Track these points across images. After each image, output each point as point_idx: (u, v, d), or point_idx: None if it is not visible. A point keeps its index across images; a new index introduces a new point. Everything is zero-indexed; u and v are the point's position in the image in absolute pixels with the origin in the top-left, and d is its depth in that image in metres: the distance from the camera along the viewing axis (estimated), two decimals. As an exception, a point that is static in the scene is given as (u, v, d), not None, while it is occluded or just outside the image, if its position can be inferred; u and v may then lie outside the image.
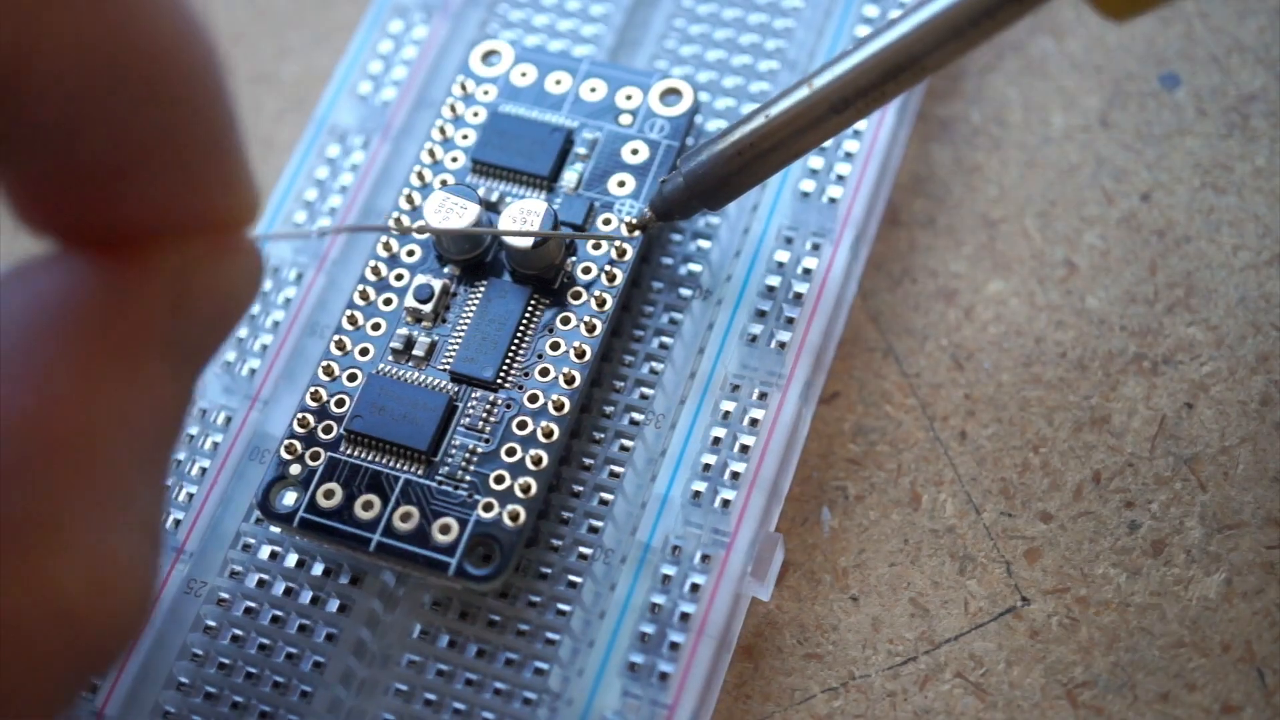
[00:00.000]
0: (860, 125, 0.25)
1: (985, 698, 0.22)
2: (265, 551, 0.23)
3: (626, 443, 0.23)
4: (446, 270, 0.24)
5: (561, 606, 0.22)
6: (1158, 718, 0.22)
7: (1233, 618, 0.22)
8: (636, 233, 0.23)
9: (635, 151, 0.25)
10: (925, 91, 0.28)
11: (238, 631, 0.22)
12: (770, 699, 0.23)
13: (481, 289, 0.24)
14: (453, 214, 0.23)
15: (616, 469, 0.23)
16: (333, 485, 0.22)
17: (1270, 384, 0.24)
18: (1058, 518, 0.24)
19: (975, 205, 0.26)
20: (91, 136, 0.14)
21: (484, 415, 0.23)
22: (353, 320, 0.24)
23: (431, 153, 0.25)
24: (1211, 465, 0.23)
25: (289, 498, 0.22)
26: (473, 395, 0.23)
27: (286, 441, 0.23)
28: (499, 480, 0.22)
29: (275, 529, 0.23)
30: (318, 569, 0.23)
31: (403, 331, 0.23)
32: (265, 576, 0.23)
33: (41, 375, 0.13)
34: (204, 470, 0.24)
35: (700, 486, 0.22)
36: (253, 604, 0.23)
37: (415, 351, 0.23)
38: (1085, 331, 0.25)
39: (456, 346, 0.23)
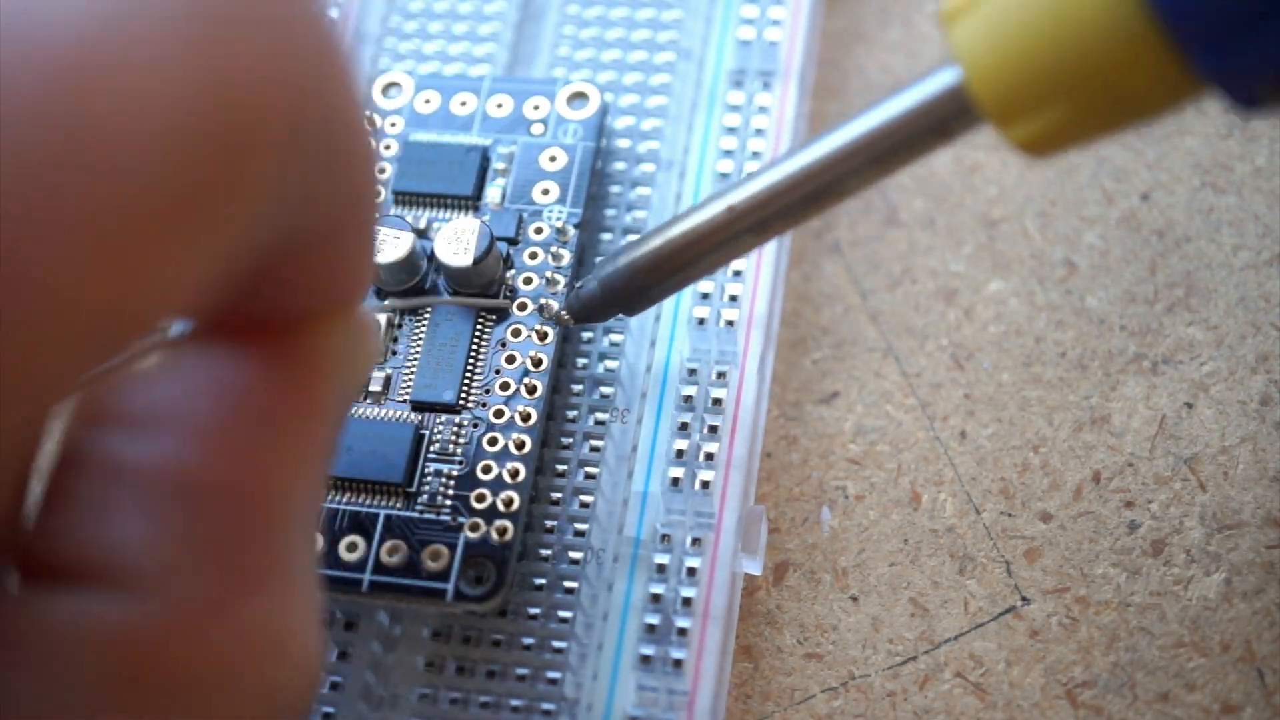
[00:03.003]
0: (767, 100, 0.26)
1: (985, 698, 0.22)
2: (253, 613, 0.22)
3: (596, 443, 0.23)
4: (387, 302, 0.24)
5: (562, 614, 0.22)
6: (1158, 718, 0.22)
7: (1233, 618, 0.23)
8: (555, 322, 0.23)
9: (553, 159, 0.25)
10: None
11: (239, 698, 0.22)
12: (770, 699, 0.23)
13: (427, 315, 0.23)
14: (387, 245, 0.23)
15: (591, 470, 0.23)
16: (313, 533, 0.22)
17: (1270, 384, 0.24)
18: (1058, 518, 0.24)
19: (975, 205, 0.26)
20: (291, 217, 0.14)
21: (453, 438, 0.22)
22: (301, 368, 0.23)
23: (349, 191, 0.25)
24: (1211, 465, 0.24)
25: (269, 554, 0.22)
26: (438, 421, 0.23)
27: (258, 498, 0.22)
28: (480, 499, 0.22)
29: (260, 588, 0.22)
30: (309, 621, 0.22)
31: (355, 370, 0.23)
32: (257, 638, 0.22)
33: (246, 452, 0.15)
34: (173, 543, 0.23)
35: (677, 473, 0.23)
36: (249, 667, 0.22)
37: (371, 387, 0.23)
38: (1085, 331, 0.25)
39: (412, 375, 0.23)
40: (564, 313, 0.23)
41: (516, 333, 0.23)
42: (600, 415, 0.23)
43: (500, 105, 0.25)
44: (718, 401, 0.23)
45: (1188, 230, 0.26)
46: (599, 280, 0.22)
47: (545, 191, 0.24)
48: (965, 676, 0.23)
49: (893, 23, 0.29)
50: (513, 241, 0.24)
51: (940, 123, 0.18)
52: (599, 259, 0.23)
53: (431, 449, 0.22)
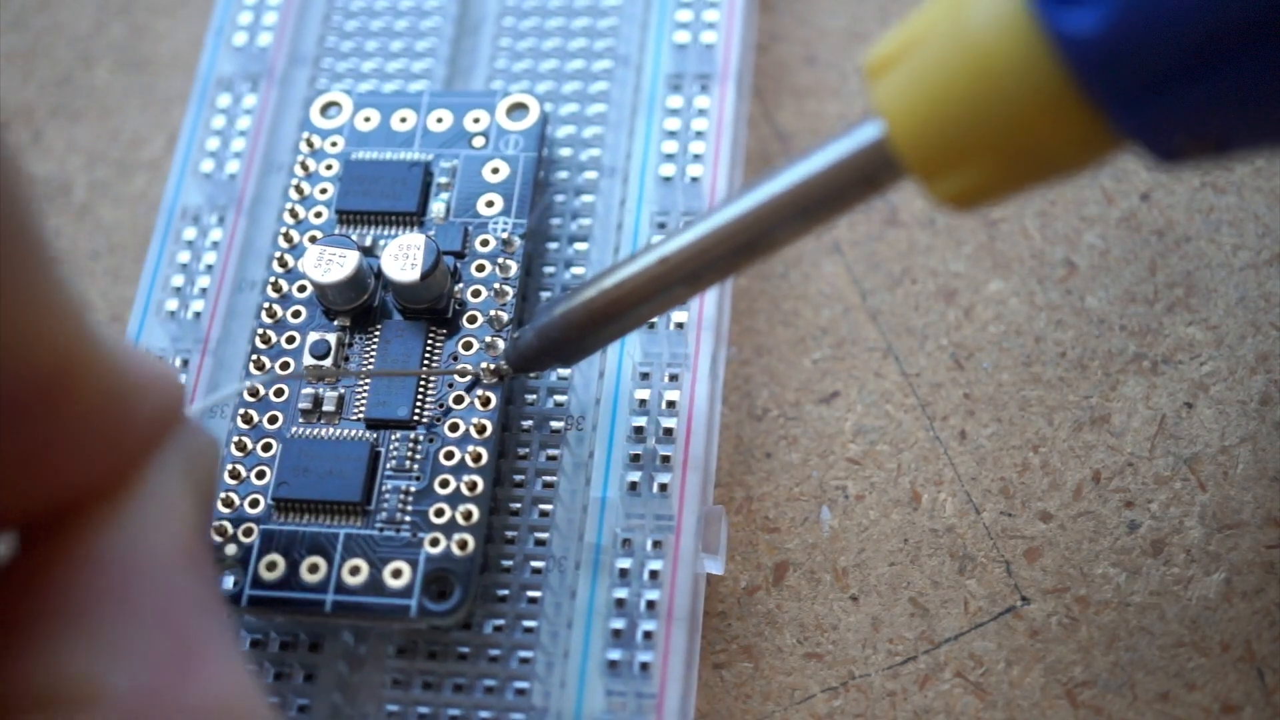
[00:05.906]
0: (706, 103, 0.26)
1: (985, 697, 0.22)
2: (216, 640, 0.22)
3: (553, 452, 0.23)
4: (336, 323, 0.24)
5: (527, 624, 0.22)
6: (1158, 717, 0.22)
7: (1233, 617, 0.23)
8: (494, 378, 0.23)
9: (496, 170, 0.25)
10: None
11: (207, 726, 0.22)
12: (770, 699, 0.23)
13: (377, 333, 0.23)
14: (333, 264, 0.23)
15: (549, 479, 0.23)
16: (273, 556, 0.22)
17: (1270, 383, 0.24)
18: (1057, 517, 0.24)
19: (975, 205, 0.27)
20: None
21: (409, 454, 0.22)
22: (254, 392, 0.23)
23: (293, 212, 0.25)
24: (1211, 465, 0.24)
25: (229, 580, 0.22)
26: (393, 438, 0.23)
27: (215, 524, 0.22)
28: (439, 514, 0.22)
29: (222, 614, 0.22)
30: (274, 646, 0.22)
31: (308, 391, 0.23)
32: (222, 665, 0.22)
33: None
34: (133, 575, 0.23)
35: (635, 477, 0.23)
36: (216, 695, 0.22)
37: (325, 408, 0.23)
38: (1085, 331, 0.25)
39: (366, 394, 0.23)
40: (503, 363, 0.23)
41: (468, 345, 0.23)
42: (555, 424, 0.24)
43: (440, 120, 0.25)
44: (671, 404, 0.23)
45: (1188, 230, 0.26)
46: (535, 331, 0.22)
47: (489, 203, 0.24)
48: (965, 676, 0.23)
49: (892, 23, 0.29)
50: (459, 255, 0.24)
51: (866, 176, 0.18)
52: (539, 306, 0.23)
53: (388, 466, 0.22)
